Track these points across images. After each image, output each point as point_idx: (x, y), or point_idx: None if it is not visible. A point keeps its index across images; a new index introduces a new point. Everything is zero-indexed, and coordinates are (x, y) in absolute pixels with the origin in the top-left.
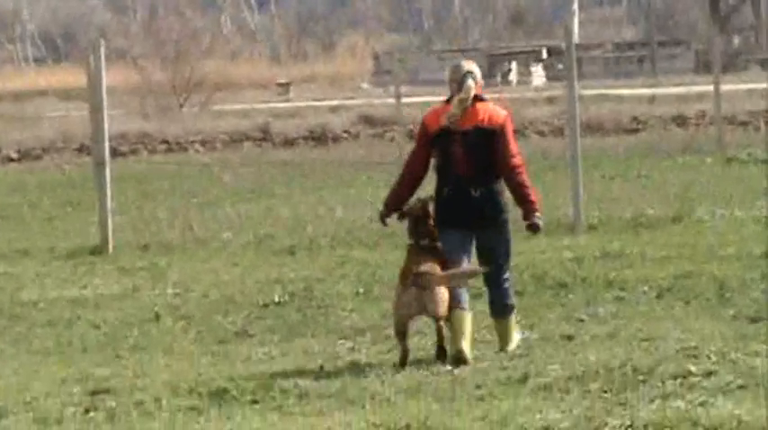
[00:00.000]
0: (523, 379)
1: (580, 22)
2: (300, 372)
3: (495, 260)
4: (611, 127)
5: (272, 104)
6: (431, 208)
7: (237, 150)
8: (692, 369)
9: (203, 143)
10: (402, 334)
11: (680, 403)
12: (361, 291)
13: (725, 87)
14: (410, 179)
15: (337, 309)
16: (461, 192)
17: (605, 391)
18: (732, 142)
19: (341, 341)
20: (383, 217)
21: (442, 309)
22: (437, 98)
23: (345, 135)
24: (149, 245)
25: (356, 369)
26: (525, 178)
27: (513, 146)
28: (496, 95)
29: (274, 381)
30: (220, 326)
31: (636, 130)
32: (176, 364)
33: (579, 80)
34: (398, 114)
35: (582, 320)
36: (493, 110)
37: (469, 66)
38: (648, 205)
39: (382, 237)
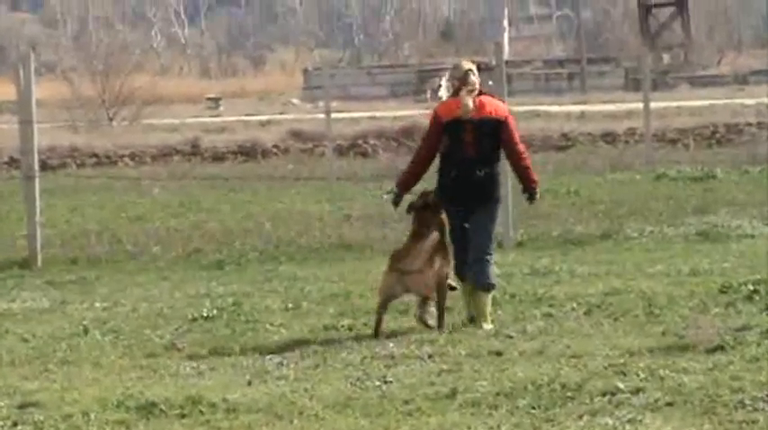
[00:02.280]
0: (452, 394)
1: (510, 39)
2: (229, 387)
3: (484, 233)
4: (541, 143)
5: (201, 119)
6: (431, 201)
7: (167, 164)
8: (621, 385)
9: (133, 157)
10: (383, 310)
11: (608, 420)
12: (290, 305)
13: (654, 105)
14: (421, 163)
15: (266, 324)
16: (468, 172)
17: (533, 408)
18: (661, 159)
19: (269, 356)
20: (396, 200)
21: (427, 289)
22: (367, 113)
23: (275, 150)
24: (78, 258)
25: (284, 384)
26: (529, 162)
27: (517, 134)
28: (426, 111)
29: (203, 396)
30: (149, 340)
31: (565, 147)
32: (105, 378)
33: (509, 96)
34: (328, 130)
35: (510, 337)
36: (497, 103)
37: (469, 65)
38: (577, 222)
39: (310, 252)
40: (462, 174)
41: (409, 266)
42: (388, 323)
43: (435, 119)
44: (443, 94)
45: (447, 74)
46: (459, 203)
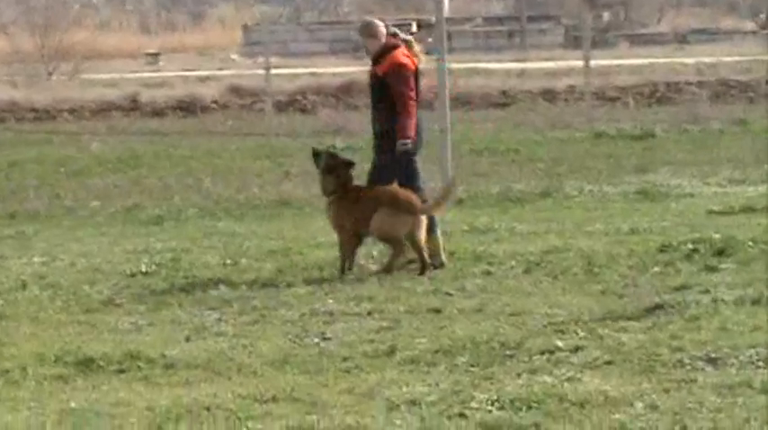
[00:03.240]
0: (390, 351)
1: None
2: (167, 343)
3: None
4: (480, 101)
5: (141, 74)
6: None
7: (106, 119)
8: (560, 344)
9: (72, 112)
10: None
11: (547, 378)
12: (229, 262)
13: (594, 62)
14: (415, 110)
15: (204, 280)
16: (419, 119)
17: (472, 365)
18: (601, 118)
19: (208, 312)
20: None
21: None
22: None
23: (214, 106)
24: (16, 213)
25: (223, 340)
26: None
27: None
28: (365, 68)
29: (141, 351)
30: (87, 295)
31: (505, 104)
32: (43, 333)
33: (449, 54)
34: (268, 85)
35: (449, 294)
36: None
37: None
38: (517, 180)
39: (249, 208)
40: (420, 122)
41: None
42: (327, 279)
43: (410, 71)
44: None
45: (383, 29)
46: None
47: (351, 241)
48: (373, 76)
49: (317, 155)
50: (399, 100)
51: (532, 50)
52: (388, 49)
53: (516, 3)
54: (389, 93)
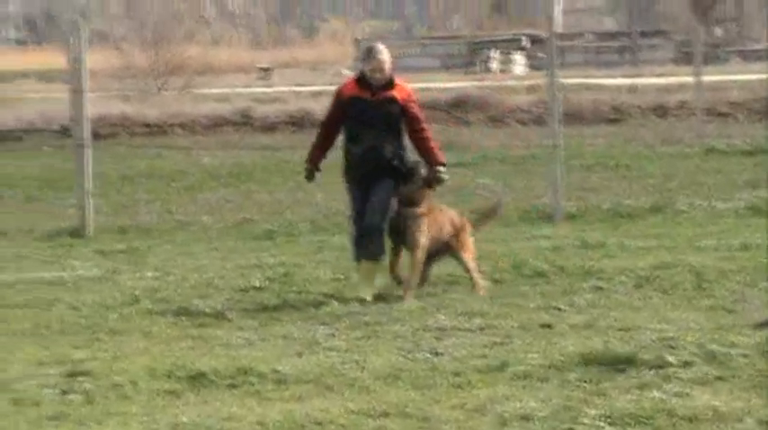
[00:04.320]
0: (502, 367)
1: (562, 11)
2: (279, 358)
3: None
4: (592, 117)
5: (252, 89)
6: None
7: (218, 134)
8: (670, 359)
9: (183, 126)
10: None
11: (657, 393)
12: (340, 276)
13: (706, 78)
14: None
15: (316, 295)
16: None
17: (583, 381)
18: (712, 133)
19: (319, 327)
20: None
21: None
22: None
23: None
24: (128, 228)
25: (335, 355)
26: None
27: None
28: (477, 83)
29: (253, 367)
30: (199, 310)
31: (616, 120)
32: (154, 348)
33: (560, 69)
34: None
35: (560, 309)
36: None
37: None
38: (628, 195)
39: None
40: None
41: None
42: (439, 295)
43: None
44: (494, 66)
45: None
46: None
47: (424, 258)
48: (384, 102)
49: (414, 166)
50: (423, 124)
51: (644, 66)
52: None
53: (628, 18)
54: (402, 118)
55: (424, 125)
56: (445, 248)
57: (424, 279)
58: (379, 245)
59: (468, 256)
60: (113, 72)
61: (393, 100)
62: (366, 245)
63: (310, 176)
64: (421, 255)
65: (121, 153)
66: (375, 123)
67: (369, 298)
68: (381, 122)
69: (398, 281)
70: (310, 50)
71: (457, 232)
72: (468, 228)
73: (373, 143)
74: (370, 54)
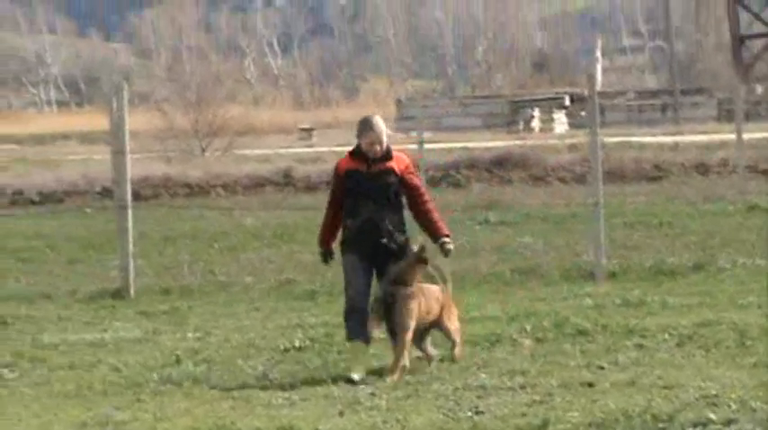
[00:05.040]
0: (543, 425)
1: (603, 70)
2: (320, 417)
3: None
4: (633, 174)
5: (294, 149)
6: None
7: (259, 194)
8: (713, 417)
9: (225, 187)
10: None
11: None
12: (382, 337)
13: (747, 136)
14: None
15: None
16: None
17: None
18: (754, 190)
19: (361, 386)
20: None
21: None
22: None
23: None
24: (171, 289)
25: (376, 414)
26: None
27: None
28: (519, 142)
29: (294, 426)
30: (241, 370)
31: (658, 178)
32: (196, 408)
33: (602, 128)
34: (422, 160)
35: (602, 367)
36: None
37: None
38: (670, 253)
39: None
40: None
41: None
42: (480, 354)
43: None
44: (536, 125)
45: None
46: None
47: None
48: (381, 173)
49: (404, 244)
50: (425, 196)
51: (686, 123)
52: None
53: (669, 76)
54: (401, 190)
55: (426, 196)
56: (434, 324)
57: (428, 357)
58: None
59: (454, 325)
60: (156, 133)
61: (390, 171)
62: (360, 324)
63: (325, 259)
64: (408, 337)
65: (163, 214)
66: (372, 196)
67: (357, 377)
68: (379, 194)
69: (428, 353)
70: (352, 110)
71: (442, 307)
72: (450, 301)
73: (371, 216)
74: (365, 127)
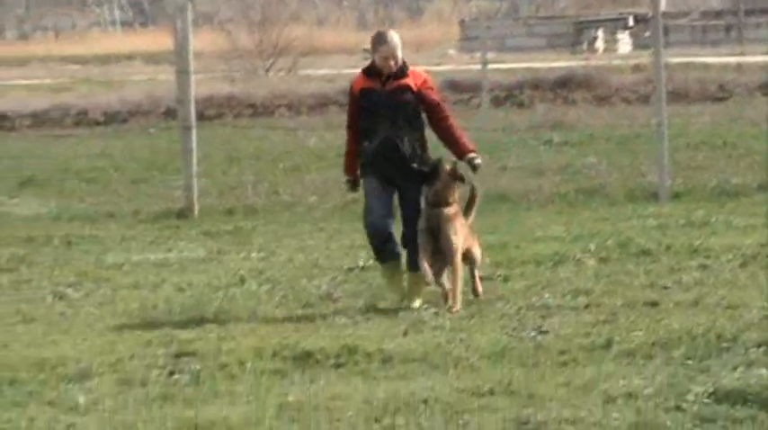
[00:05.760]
0: (607, 345)
1: None
2: (384, 337)
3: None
4: (697, 95)
5: (358, 69)
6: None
7: (323, 114)
8: None
9: (289, 107)
10: None
11: (763, 371)
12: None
13: None
14: None
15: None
16: None
17: (688, 358)
18: None
19: (425, 306)
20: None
21: None
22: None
23: None
24: (234, 209)
25: (440, 334)
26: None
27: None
28: (583, 63)
29: (358, 346)
30: (305, 290)
31: (722, 99)
32: (261, 328)
33: (665, 48)
34: (485, 80)
35: (666, 287)
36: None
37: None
38: (734, 174)
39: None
40: None
41: None
42: (544, 274)
43: None
44: (600, 45)
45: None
46: None
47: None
48: (397, 91)
49: (436, 164)
50: (446, 113)
51: (749, 44)
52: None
53: None
54: (420, 108)
55: (447, 112)
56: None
57: (445, 292)
58: (411, 257)
59: (478, 252)
60: (220, 54)
61: (407, 88)
62: (385, 245)
63: (353, 188)
64: (459, 258)
65: (227, 134)
66: (389, 115)
67: (414, 304)
68: (395, 113)
69: (444, 288)
70: (416, 31)
71: (469, 233)
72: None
73: (388, 135)
74: (378, 41)
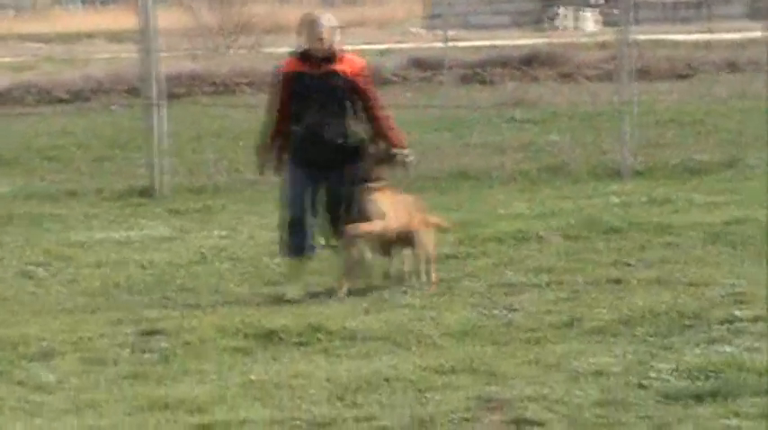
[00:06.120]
0: (573, 323)
1: None
2: (347, 315)
3: None
4: (666, 73)
5: None
6: None
7: None
8: (739, 314)
9: (251, 84)
10: None
11: (726, 347)
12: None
13: None
14: None
15: None
16: None
17: (652, 336)
18: None
19: (391, 285)
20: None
21: None
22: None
23: (395, 78)
24: (197, 187)
25: (408, 312)
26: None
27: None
28: (547, 40)
29: (321, 324)
30: (267, 268)
31: (690, 76)
32: (223, 306)
33: (635, 25)
34: (448, 58)
35: (629, 265)
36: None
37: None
38: (699, 151)
39: (429, 180)
40: None
41: None
42: (508, 252)
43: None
44: (560, 23)
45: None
46: None
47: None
48: (329, 75)
49: (360, 144)
50: (378, 103)
51: (719, 21)
52: (338, 48)
53: None
54: (356, 96)
55: (378, 103)
56: (403, 238)
57: (396, 279)
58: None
59: (427, 243)
60: (183, 32)
61: (339, 74)
62: (297, 239)
63: (261, 170)
64: (382, 225)
65: (192, 113)
66: (318, 100)
67: (291, 296)
68: (325, 99)
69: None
70: (379, 9)
71: (413, 219)
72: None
73: (316, 120)
74: (310, 23)
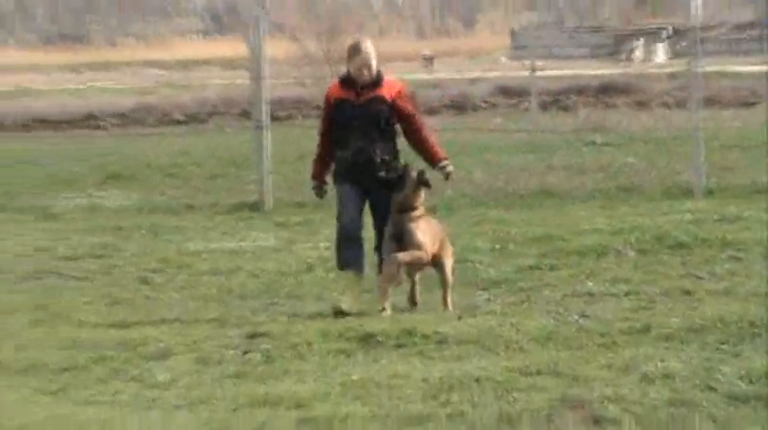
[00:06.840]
0: (645, 329)
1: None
2: (440, 321)
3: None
4: (730, 101)
5: (416, 76)
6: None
7: None
8: None
9: None
10: None
11: None
12: (497, 247)
13: None
14: None
15: (475, 263)
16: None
17: (722, 343)
18: None
19: (478, 292)
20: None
21: None
22: (569, 71)
23: (484, 104)
24: (303, 202)
25: (491, 318)
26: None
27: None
28: (620, 71)
29: (416, 328)
30: (369, 277)
31: (753, 104)
32: (327, 312)
33: (702, 57)
34: (533, 86)
35: (700, 278)
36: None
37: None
38: (764, 173)
39: (515, 198)
40: None
41: None
42: (587, 264)
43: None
44: (638, 55)
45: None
46: None
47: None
48: (372, 102)
49: (403, 172)
50: (419, 122)
51: None
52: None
53: (766, 8)
54: (397, 118)
55: (420, 122)
56: (433, 260)
57: (414, 304)
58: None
59: (449, 263)
60: (290, 60)
61: (381, 99)
62: (353, 253)
63: (320, 193)
64: (424, 255)
65: (297, 134)
66: (362, 126)
67: (346, 308)
68: (369, 124)
69: (413, 303)
70: (470, 40)
71: (441, 242)
72: (446, 237)
73: (362, 145)
74: (353, 51)
